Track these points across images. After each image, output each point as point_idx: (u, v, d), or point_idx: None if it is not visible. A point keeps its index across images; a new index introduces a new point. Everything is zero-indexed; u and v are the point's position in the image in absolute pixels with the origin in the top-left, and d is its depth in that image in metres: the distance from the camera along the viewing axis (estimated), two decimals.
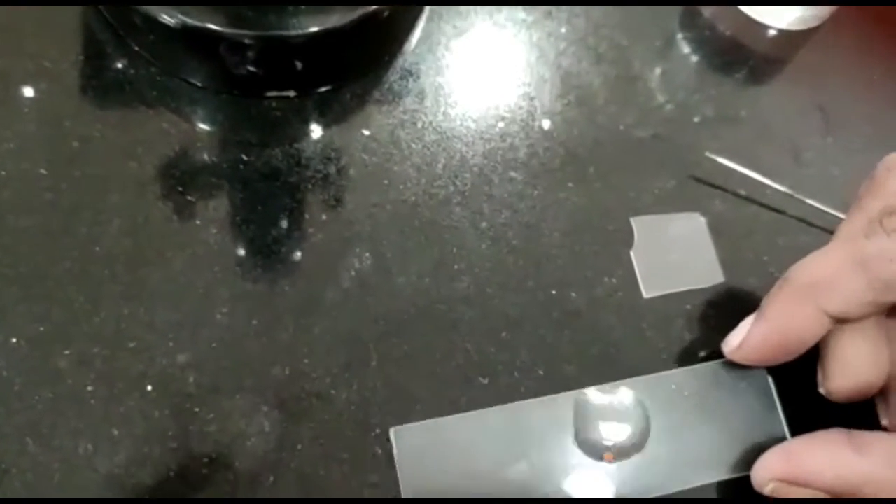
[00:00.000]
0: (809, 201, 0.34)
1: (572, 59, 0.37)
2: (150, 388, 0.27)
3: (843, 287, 0.27)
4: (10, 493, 0.25)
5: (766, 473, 0.27)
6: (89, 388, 0.26)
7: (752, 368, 0.30)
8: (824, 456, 0.26)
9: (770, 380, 0.31)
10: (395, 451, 0.27)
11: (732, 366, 0.30)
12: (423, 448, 0.27)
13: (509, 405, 0.29)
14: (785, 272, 0.28)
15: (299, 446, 0.27)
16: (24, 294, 0.27)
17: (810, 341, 0.28)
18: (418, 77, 0.35)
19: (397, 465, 0.27)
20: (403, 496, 0.26)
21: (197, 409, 0.27)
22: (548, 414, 0.29)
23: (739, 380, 0.30)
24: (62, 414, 0.26)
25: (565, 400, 0.29)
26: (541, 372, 0.30)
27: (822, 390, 0.29)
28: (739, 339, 0.29)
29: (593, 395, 0.29)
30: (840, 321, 0.27)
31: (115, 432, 0.26)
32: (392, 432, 0.27)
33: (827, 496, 0.26)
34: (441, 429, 0.28)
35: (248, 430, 0.27)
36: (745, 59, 0.39)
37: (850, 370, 0.28)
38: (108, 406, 0.26)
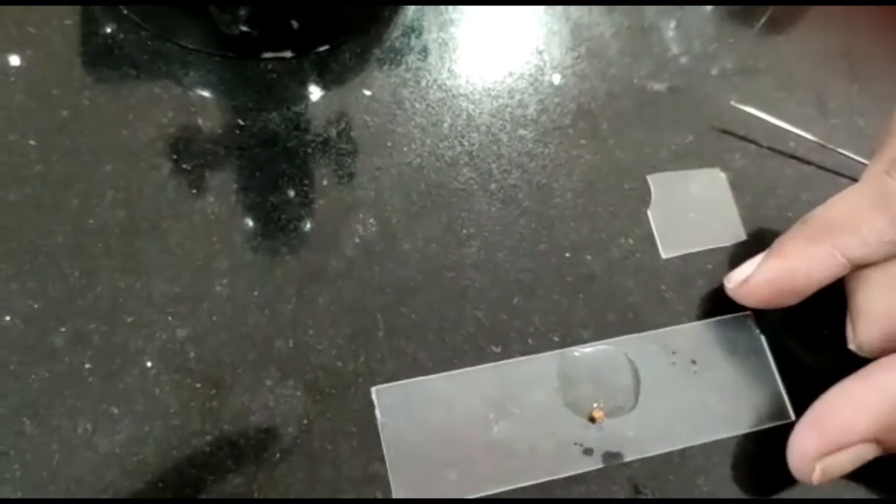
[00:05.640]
0: (837, 149, 0.33)
1: (582, 10, 0.35)
2: (149, 364, 0.26)
3: (863, 227, 0.26)
4: (9, 476, 0.24)
5: (806, 457, 0.25)
6: (87, 366, 0.26)
7: (742, 325, 0.29)
8: (846, 405, 0.25)
9: (763, 337, 0.30)
10: (377, 410, 0.26)
11: (721, 324, 0.29)
12: (407, 407, 0.27)
13: (493, 364, 0.28)
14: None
15: (305, 421, 0.26)
16: (17, 271, 0.27)
17: (820, 283, 0.27)
18: (421, 33, 0.33)
19: (379, 425, 0.26)
20: (386, 455, 0.26)
21: (198, 385, 0.26)
22: (533, 373, 0.28)
23: (729, 337, 0.29)
24: (59, 393, 0.25)
25: (551, 359, 0.28)
26: (556, 338, 0.28)
27: (852, 346, 0.27)
28: (744, 275, 0.28)
29: (579, 353, 0.28)
30: (861, 266, 0.26)
31: (115, 411, 0.25)
32: (374, 392, 0.26)
33: (873, 451, 0.25)
34: (425, 387, 0.27)
35: (252, 405, 0.26)
36: (764, 6, 0.37)
37: (876, 317, 0.26)
38: (107, 384, 0.25)
